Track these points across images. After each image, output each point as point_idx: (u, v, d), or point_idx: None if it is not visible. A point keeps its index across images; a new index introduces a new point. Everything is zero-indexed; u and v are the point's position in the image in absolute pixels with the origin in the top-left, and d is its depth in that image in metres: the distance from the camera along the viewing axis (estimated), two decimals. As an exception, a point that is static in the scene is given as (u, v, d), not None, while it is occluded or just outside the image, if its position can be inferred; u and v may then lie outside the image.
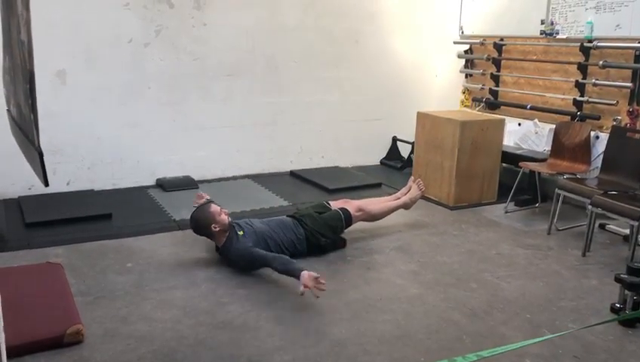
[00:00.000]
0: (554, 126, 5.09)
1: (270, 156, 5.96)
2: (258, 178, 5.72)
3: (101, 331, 2.84)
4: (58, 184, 4.87)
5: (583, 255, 3.99)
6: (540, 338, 2.84)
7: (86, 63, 4.93)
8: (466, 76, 6.31)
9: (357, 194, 5.04)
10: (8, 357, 1.92)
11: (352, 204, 4.18)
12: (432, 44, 6.54)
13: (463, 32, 6.24)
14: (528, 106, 5.48)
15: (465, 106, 6.29)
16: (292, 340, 2.81)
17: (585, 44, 4.90)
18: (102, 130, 5.07)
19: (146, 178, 5.33)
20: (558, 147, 4.98)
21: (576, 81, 5.03)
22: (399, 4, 6.33)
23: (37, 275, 3.30)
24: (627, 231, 4.07)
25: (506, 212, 4.94)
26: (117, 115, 5.12)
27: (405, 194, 4.50)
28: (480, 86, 6.06)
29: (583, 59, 4.98)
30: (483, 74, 6.04)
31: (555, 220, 4.46)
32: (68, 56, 4.85)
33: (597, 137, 4.81)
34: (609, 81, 4.78)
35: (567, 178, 4.51)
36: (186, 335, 2.84)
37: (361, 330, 2.93)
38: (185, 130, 5.46)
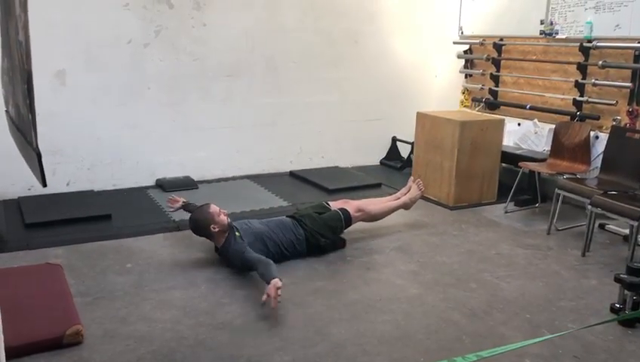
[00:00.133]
0: (553, 126, 5.09)
1: (270, 156, 5.96)
2: (258, 178, 5.72)
3: (101, 332, 2.84)
4: (58, 184, 4.88)
5: (583, 255, 3.99)
6: (540, 339, 2.83)
7: (86, 64, 4.93)
8: (466, 76, 6.31)
9: (357, 194, 5.04)
10: (7, 358, 1.92)
11: (351, 205, 4.17)
12: (432, 44, 6.54)
13: (462, 33, 6.24)
14: (528, 106, 5.47)
15: (464, 106, 6.29)
16: (292, 340, 2.81)
17: (584, 44, 4.90)
18: (102, 130, 5.08)
19: (145, 178, 5.33)
20: (558, 147, 4.98)
21: (576, 81, 5.03)
22: (399, 4, 6.33)
23: (36, 276, 3.30)
24: (627, 231, 4.07)
25: (506, 212, 4.94)
26: (117, 116, 5.12)
27: (405, 194, 4.50)
28: (480, 86, 6.06)
29: (583, 59, 4.98)
30: (483, 74, 6.04)
31: (555, 220, 4.46)
32: (68, 57, 4.85)
33: (597, 137, 4.81)
34: (608, 81, 4.78)
35: (566, 178, 4.51)
36: (185, 335, 2.84)
37: (361, 331, 2.93)
38: (185, 131, 5.46)
